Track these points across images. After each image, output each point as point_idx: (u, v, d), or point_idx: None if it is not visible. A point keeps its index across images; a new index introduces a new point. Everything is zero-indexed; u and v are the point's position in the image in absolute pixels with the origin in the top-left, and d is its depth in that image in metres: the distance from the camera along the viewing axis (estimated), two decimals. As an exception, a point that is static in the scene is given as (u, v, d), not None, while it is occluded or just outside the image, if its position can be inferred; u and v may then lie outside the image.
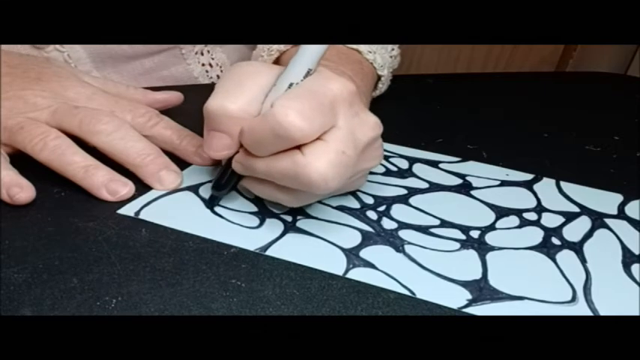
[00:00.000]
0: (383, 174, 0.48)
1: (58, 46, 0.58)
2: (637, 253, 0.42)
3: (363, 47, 0.53)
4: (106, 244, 0.37)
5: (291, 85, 0.37)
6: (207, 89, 0.39)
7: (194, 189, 0.43)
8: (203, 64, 0.67)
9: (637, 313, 0.36)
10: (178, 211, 0.41)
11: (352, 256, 0.38)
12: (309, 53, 0.37)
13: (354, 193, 0.45)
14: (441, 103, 0.63)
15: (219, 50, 0.68)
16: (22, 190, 0.39)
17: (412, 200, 0.45)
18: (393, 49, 0.58)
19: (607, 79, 0.77)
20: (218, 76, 0.69)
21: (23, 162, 0.42)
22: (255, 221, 0.41)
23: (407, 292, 0.36)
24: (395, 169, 0.49)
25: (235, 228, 0.40)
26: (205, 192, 0.43)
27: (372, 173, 0.47)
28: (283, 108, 0.35)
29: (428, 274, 0.37)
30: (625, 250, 0.42)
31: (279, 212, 0.41)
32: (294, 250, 0.38)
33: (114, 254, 0.37)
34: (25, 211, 0.39)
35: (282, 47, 0.54)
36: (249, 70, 0.39)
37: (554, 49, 1.16)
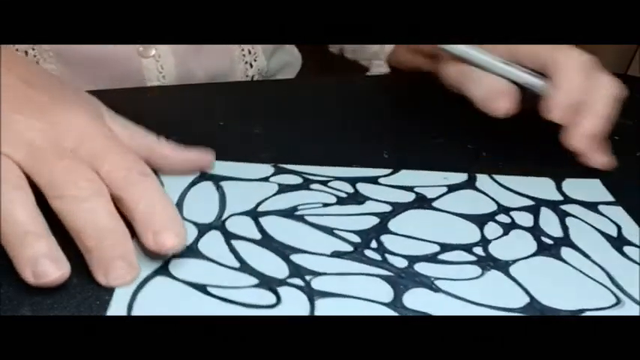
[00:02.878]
0: (338, 203, 0.43)
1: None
2: (612, 234, 0.43)
3: None
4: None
5: None
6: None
7: (164, 271, 0.36)
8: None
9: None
10: (173, 304, 0.34)
11: (401, 309, 0.34)
12: None
13: (333, 233, 0.40)
14: (441, 103, 0.60)
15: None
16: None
17: (392, 227, 0.41)
18: None
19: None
20: None
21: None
22: (270, 296, 0.35)
23: None
24: (344, 195, 0.44)
25: (256, 310, 0.34)
26: (179, 270, 0.36)
27: (326, 205, 0.43)
28: None
29: (485, 311, 0.35)
30: (604, 234, 0.43)
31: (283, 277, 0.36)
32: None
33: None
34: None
35: None
36: None
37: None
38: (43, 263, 0.32)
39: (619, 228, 0.43)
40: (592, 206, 0.46)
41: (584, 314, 0.35)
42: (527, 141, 0.54)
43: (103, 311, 0.32)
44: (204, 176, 0.45)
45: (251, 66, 0.70)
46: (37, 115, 0.37)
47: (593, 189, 0.48)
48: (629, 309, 0.36)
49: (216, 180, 0.44)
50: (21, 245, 0.33)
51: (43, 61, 0.63)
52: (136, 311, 0.32)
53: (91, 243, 0.34)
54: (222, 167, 0.46)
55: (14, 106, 0.37)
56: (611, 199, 0.47)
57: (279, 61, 0.75)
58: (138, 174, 0.37)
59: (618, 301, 0.36)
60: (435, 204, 0.44)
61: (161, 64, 0.65)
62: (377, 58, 0.65)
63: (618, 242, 0.42)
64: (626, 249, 0.41)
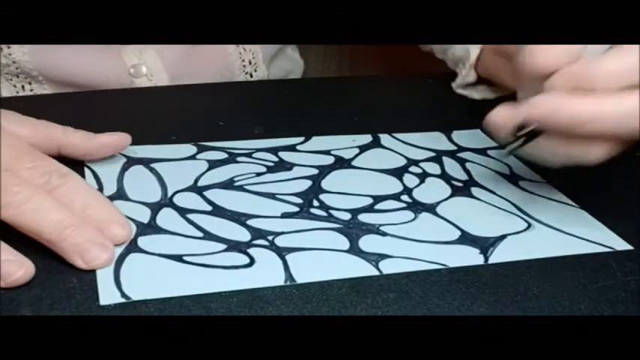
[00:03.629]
0: (269, 172, 0.47)
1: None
2: (505, 172, 0.50)
3: None
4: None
5: None
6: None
7: (135, 248, 0.38)
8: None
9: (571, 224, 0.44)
10: (157, 277, 0.36)
11: (362, 254, 0.39)
12: None
13: (276, 198, 0.44)
14: (442, 103, 0.63)
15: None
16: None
17: (325, 187, 0.46)
18: None
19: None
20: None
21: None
22: (242, 257, 0.38)
23: (437, 267, 0.38)
24: (271, 164, 0.48)
25: (236, 271, 0.37)
26: (149, 245, 0.39)
27: (258, 174, 0.47)
28: None
29: (430, 246, 0.40)
30: (499, 174, 0.50)
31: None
32: (314, 268, 0.38)
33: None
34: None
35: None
36: None
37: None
38: None
39: (510, 167, 0.51)
40: (482, 152, 0.53)
41: (505, 239, 0.41)
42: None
43: (102, 311, 0.33)
44: (132, 161, 0.47)
45: (251, 76, 0.70)
46: None
47: (477, 137, 0.55)
48: (539, 231, 0.43)
49: (146, 163, 0.47)
50: None
51: (35, 82, 0.61)
52: (126, 288, 0.35)
53: (52, 237, 0.35)
54: (146, 151, 0.48)
55: None
56: (494, 144, 0.53)
57: (280, 68, 0.75)
58: (58, 178, 0.38)
59: (529, 225, 0.43)
60: (353, 163, 0.50)
61: (154, 82, 0.64)
62: (462, 63, 0.59)
63: (513, 178, 0.49)
64: (521, 183, 0.49)
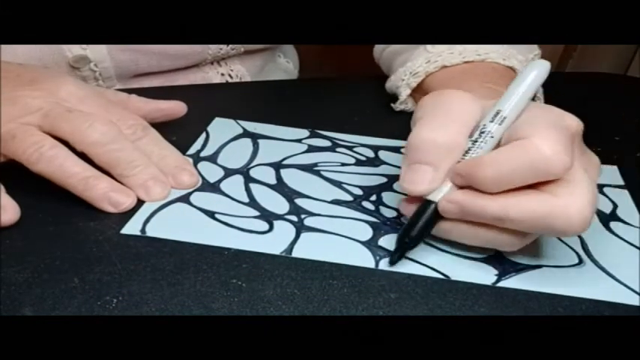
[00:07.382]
0: (355, 164, 0.49)
1: (92, 65, 0.59)
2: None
3: (516, 65, 0.53)
4: (106, 243, 0.38)
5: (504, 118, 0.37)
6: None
7: (185, 199, 0.43)
8: (222, 74, 0.67)
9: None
10: (182, 223, 0.41)
11: (374, 247, 0.40)
12: (532, 85, 0.37)
13: (341, 186, 0.46)
14: None
15: (238, 62, 0.68)
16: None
17: (396, 187, 0.46)
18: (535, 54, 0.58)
19: (607, 79, 0.77)
20: None
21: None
22: (264, 225, 0.41)
23: (440, 276, 0.38)
24: (364, 158, 0.50)
25: (248, 234, 0.40)
26: (198, 200, 0.43)
27: (344, 164, 0.49)
28: (546, 140, 0.34)
29: (449, 256, 0.39)
30: None
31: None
32: (317, 248, 0.39)
33: (115, 254, 0.37)
34: (25, 211, 0.39)
35: (432, 69, 0.54)
36: (455, 100, 0.38)
37: (554, 49, 1.17)
38: (113, 196, 0.41)
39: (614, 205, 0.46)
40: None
41: (539, 269, 0.39)
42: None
43: (104, 311, 0.33)
44: (246, 133, 0.52)
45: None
46: (32, 87, 0.43)
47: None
48: (587, 270, 0.39)
49: (255, 138, 0.52)
50: (87, 189, 0.40)
51: None
52: (148, 226, 0.40)
53: (124, 171, 0.42)
54: (264, 128, 0.53)
55: (13, 85, 0.43)
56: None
57: (270, 77, 0.74)
58: (141, 130, 0.45)
59: (580, 262, 0.40)
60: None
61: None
62: (399, 94, 0.58)
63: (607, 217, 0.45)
64: (612, 224, 0.44)
